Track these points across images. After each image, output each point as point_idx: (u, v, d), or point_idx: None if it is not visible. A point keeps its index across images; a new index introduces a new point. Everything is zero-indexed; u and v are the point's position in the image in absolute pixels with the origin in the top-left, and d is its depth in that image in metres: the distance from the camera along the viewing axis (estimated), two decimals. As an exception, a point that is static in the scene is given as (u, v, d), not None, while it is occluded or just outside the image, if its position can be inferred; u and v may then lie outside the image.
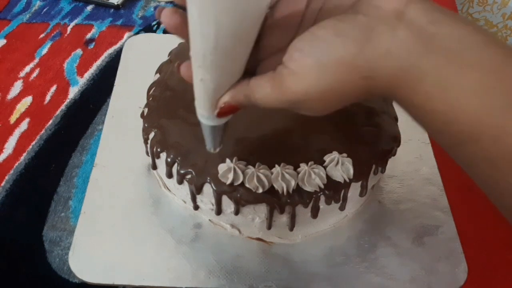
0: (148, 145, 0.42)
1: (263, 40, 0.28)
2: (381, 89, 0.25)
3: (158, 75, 0.47)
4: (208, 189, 0.38)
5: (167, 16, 0.27)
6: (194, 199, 0.41)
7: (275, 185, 0.36)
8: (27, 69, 0.59)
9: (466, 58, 0.23)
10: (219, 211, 0.39)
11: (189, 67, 0.28)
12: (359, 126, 0.41)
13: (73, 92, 0.56)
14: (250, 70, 0.29)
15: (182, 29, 0.26)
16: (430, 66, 0.23)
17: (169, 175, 0.40)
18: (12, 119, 0.53)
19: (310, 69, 0.25)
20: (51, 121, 0.52)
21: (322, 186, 0.37)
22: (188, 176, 0.38)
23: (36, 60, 0.60)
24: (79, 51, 0.62)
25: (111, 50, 0.62)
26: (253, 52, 0.27)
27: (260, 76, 0.28)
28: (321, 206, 0.39)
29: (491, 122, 0.22)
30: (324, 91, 0.26)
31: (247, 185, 0.36)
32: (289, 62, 0.26)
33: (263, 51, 0.29)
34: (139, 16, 0.68)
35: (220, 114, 0.30)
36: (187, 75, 0.30)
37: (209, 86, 0.28)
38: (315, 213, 0.39)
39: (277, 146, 0.39)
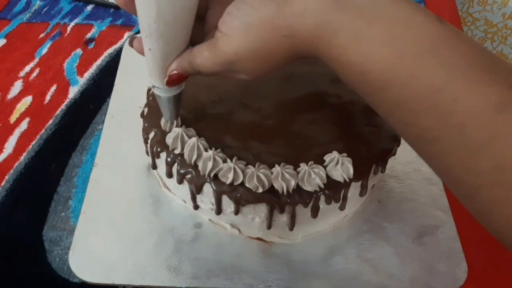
0: (148, 145, 0.42)
1: (208, 15, 0.32)
2: (304, 47, 0.28)
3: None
4: (208, 188, 0.38)
5: None
6: (194, 199, 0.41)
7: (275, 185, 0.36)
8: (27, 68, 0.59)
9: (375, 12, 0.25)
10: (219, 211, 0.39)
11: (141, 41, 0.32)
12: (359, 126, 0.41)
13: (73, 92, 0.56)
14: (198, 43, 0.31)
15: (131, 5, 0.29)
16: (343, 21, 0.25)
17: (169, 174, 0.40)
18: (12, 118, 0.53)
19: (237, 30, 0.28)
20: (51, 121, 0.52)
21: (322, 186, 0.37)
22: (188, 176, 0.38)
23: (36, 60, 0.60)
24: (79, 51, 0.62)
25: (111, 50, 0.62)
26: (199, 26, 0.31)
27: (201, 44, 0.31)
28: (321, 206, 0.39)
29: (400, 68, 0.24)
30: (251, 50, 0.29)
31: (247, 185, 0.36)
32: (222, 26, 0.29)
33: (207, 25, 0.32)
34: (139, 16, 0.68)
35: (168, 82, 0.33)
36: (139, 49, 0.33)
37: (156, 55, 0.31)
38: (315, 212, 0.39)
39: (277, 145, 0.39)
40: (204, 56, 0.31)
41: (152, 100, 0.43)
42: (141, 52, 0.33)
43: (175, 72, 0.32)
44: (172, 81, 0.33)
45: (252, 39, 0.28)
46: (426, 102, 0.24)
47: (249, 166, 0.36)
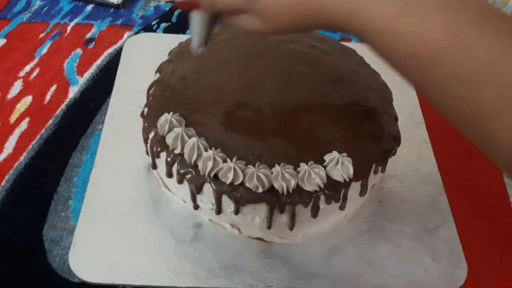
0: (148, 145, 0.42)
1: None
2: (340, 11, 0.25)
3: (158, 75, 0.46)
4: (208, 188, 0.38)
5: None
6: (194, 199, 0.41)
7: (275, 185, 0.36)
8: (27, 68, 0.59)
9: None
10: (219, 211, 0.39)
11: None
12: (359, 126, 0.41)
13: (73, 91, 0.56)
14: None
15: None
16: None
17: (169, 174, 0.40)
18: (12, 118, 0.53)
19: None
20: (51, 121, 0.52)
21: (322, 186, 0.37)
22: (188, 176, 0.38)
23: (36, 60, 0.60)
24: (79, 51, 0.62)
25: (111, 50, 0.62)
26: None
27: None
28: (321, 206, 0.39)
29: (458, 37, 0.23)
30: None
31: (247, 185, 0.36)
32: None
33: None
34: (139, 16, 0.68)
35: (178, 4, 0.32)
36: None
37: None
38: (315, 212, 0.39)
39: (277, 145, 0.39)
40: None
41: (152, 100, 0.43)
42: None
43: None
44: (183, 4, 0.32)
45: None
46: (488, 71, 0.22)
47: (249, 166, 0.36)
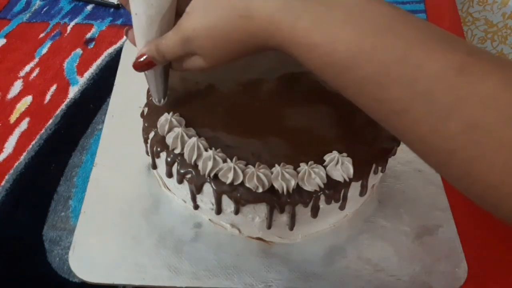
0: (148, 145, 0.42)
1: None
2: (261, 33, 0.28)
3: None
4: (208, 188, 0.38)
5: None
6: (194, 199, 0.41)
7: (275, 185, 0.36)
8: (27, 68, 0.59)
9: (332, 0, 0.27)
10: (219, 211, 0.39)
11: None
12: (359, 126, 0.41)
13: (73, 91, 0.56)
14: None
15: None
16: (305, 5, 0.27)
17: (169, 174, 0.40)
18: (12, 118, 0.53)
19: (198, 8, 0.30)
20: (51, 121, 0.52)
21: (322, 186, 0.37)
22: (188, 176, 0.38)
23: (36, 60, 0.60)
24: (79, 51, 0.62)
25: (111, 50, 0.62)
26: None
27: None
28: (321, 206, 0.39)
29: (364, 44, 0.25)
30: (208, 27, 0.30)
31: (247, 185, 0.36)
32: (187, 6, 0.31)
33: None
34: (139, 16, 0.68)
35: (135, 66, 0.34)
36: (132, 39, 0.35)
37: (142, 20, 0.33)
38: (315, 212, 0.39)
39: (277, 145, 0.39)
40: (168, 36, 0.32)
41: (152, 100, 0.43)
42: (133, 43, 0.35)
43: (144, 56, 0.34)
44: (138, 65, 0.34)
45: (210, 16, 0.29)
46: (392, 73, 0.25)
47: (249, 166, 0.36)
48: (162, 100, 0.40)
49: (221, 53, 0.31)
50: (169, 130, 0.38)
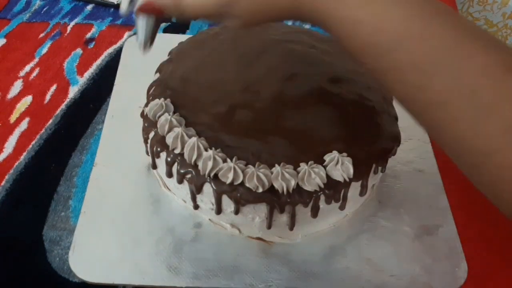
0: (148, 145, 0.42)
1: None
2: (309, 3, 0.28)
3: (158, 75, 0.47)
4: (208, 188, 0.38)
5: None
6: (194, 199, 0.41)
7: (275, 185, 0.36)
8: (27, 68, 0.59)
9: None
10: (219, 211, 0.39)
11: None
12: (359, 126, 0.41)
13: (73, 91, 0.56)
14: None
15: None
16: None
17: (169, 174, 0.40)
18: (12, 118, 0.53)
19: None
20: (51, 121, 0.52)
21: (322, 186, 0.37)
22: (188, 176, 0.38)
23: (36, 60, 0.60)
24: (79, 51, 0.62)
25: (111, 50, 0.62)
26: None
27: None
28: (321, 206, 0.39)
29: (413, 27, 0.25)
30: None
31: (247, 185, 0.36)
32: None
33: None
34: (139, 16, 0.68)
35: (141, 9, 0.32)
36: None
37: None
38: (315, 212, 0.39)
39: (277, 145, 0.39)
40: None
41: (152, 100, 0.43)
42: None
43: (152, 3, 0.31)
44: (144, 9, 0.32)
45: None
46: (439, 61, 0.24)
47: (249, 165, 0.36)
48: (148, 47, 0.37)
49: (260, 18, 0.30)
50: (169, 130, 0.38)
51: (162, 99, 0.41)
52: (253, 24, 0.31)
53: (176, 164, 0.39)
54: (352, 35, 0.27)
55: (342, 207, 0.40)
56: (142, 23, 0.35)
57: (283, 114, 0.41)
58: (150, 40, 0.36)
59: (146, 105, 0.44)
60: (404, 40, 0.25)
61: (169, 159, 0.39)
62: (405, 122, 0.45)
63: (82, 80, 0.57)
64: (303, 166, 0.37)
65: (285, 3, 0.28)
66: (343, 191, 0.38)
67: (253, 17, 0.30)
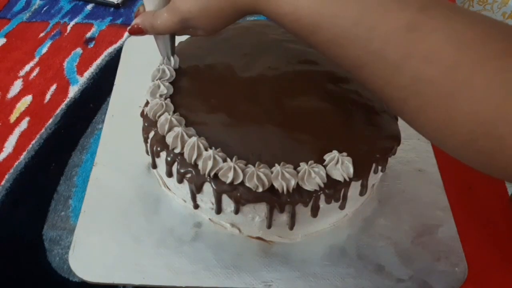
0: (148, 144, 0.42)
1: None
2: (247, 6, 0.33)
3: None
4: (208, 188, 0.38)
5: None
6: (194, 198, 0.41)
7: (275, 184, 0.36)
8: (27, 68, 0.59)
9: None
10: (219, 210, 0.39)
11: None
12: (359, 125, 0.41)
13: (73, 91, 0.56)
14: None
15: None
16: None
17: (169, 174, 0.40)
18: (12, 118, 0.53)
19: None
20: (51, 120, 0.52)
21: (322, 185, 0.36)
22: (188, 175, 0.38)
23: (36, 59, 0.60)
24: (79, 50, 0.62)
25: (111, 49, 0.62)
26: None
27: (161, 9, 0.38)
28: (321, 205, 0.38)
29: (324, 11, 0.29)
30: (202, 8, 0.35)
31: (247, 184, 0.36)
32: None
33: None
34: (139, 15, 0.68)
35: (130, 31, 0.40)
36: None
37: None
38: (315, 212, 0.39)
39: (277, 145, 0.39)
40: (163, 17, 0.37)
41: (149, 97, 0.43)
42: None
43: (139, 26, 0.39)
44: (133, 31, 0.40)
45: None
46: (349, 35, 0.29)
47: (249, 165, 0.36)
48: (172, 58, 0.44)
49: (216, 23, 0.36)
50: (169, 129, 0.38)
51: (162, 98, 0.41)
52: (216, 29, 0.37)
53: (176, 163, 0.39)
54: (284, 24, 0.32)
55: (342, 207, 0.40)
56: (160, 42, 0.42)
57: (283, 114, 0.41)
58: (172, 50, 0.43)
59: (146, 104, 0.44)
60: (319, 23, 0.30)
61: (169, 158, 0.39)
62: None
63: (82, 79, 0.57)
64: (303, 166, 0.37)
65: (229, 9, 0.34)
66: (343, 190, 0.38)
67: (211, 25, 0.37)
